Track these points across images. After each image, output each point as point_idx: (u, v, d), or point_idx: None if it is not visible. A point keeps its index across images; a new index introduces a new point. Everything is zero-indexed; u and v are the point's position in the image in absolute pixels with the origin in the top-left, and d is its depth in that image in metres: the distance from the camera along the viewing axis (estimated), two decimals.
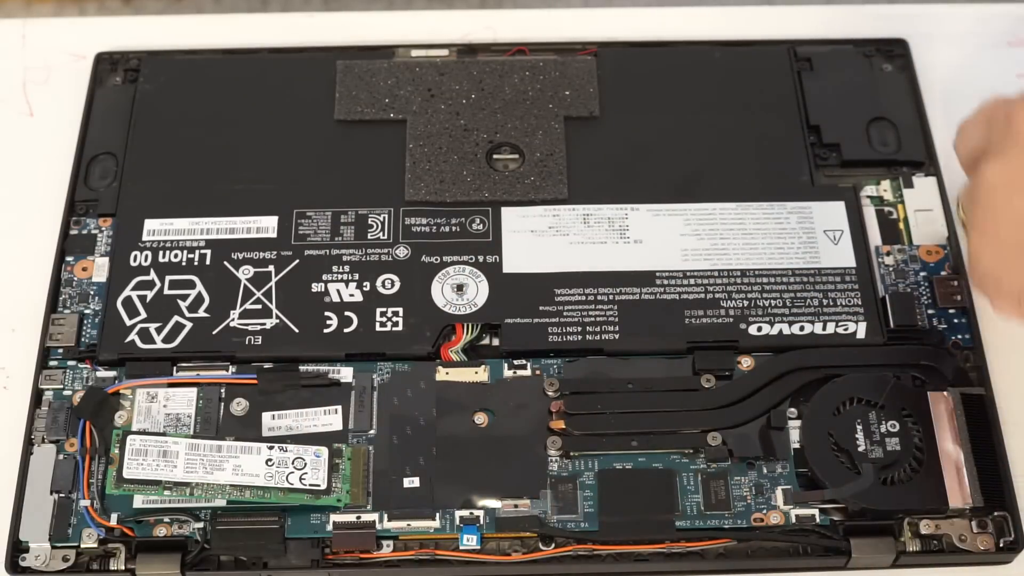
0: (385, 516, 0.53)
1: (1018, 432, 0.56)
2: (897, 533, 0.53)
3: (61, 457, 0.55)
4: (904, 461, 0.54)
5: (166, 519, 0.53)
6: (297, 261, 0.59)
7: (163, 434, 0.54)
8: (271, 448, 0.54)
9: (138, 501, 0.53)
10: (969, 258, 0.51)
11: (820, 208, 0.61)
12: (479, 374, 0.56)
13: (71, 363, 0.57)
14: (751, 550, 0.53)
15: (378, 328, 0.57)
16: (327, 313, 0.58)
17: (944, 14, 0.70)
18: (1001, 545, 0.53)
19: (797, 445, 0.55)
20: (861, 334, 0.57)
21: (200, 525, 0.53)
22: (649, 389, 0.56)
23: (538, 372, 0.57)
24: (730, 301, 0.58)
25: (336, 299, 0.58)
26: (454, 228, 0.60)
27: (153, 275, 0.59)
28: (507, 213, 0.61)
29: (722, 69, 0.66)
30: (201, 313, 0.58)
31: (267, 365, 0.57)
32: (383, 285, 0.59)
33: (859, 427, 0.54)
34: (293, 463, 0.54)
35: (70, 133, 0.64)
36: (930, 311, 0.59)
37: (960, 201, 0.60)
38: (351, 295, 0.58)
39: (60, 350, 0.58)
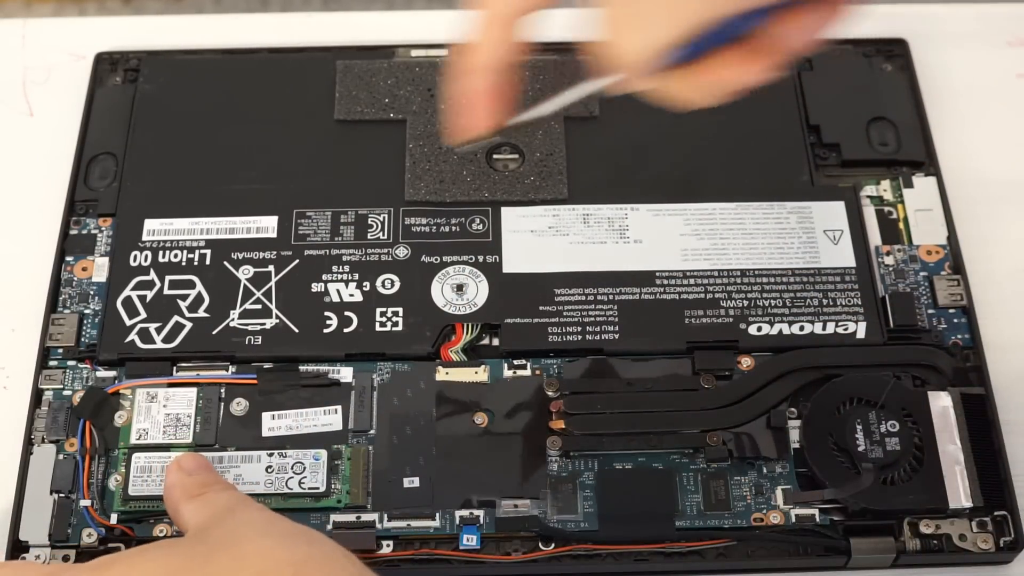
0: (385, 516, 0.53)
1: (1018, 432, 0.56)
2: (897, 533, 0.53)
3: (61, 457, 0.55)
4: (904, 461, 0.54)
5: (166, 519, 0.53)
6: (297, 261, 0.59)
7: (167, 448, 0.54)
8: (271, 455, 0.54)
9: None
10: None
11: (820, 208, 0.61)
12: (479, 374, 0.56)
13: (71, 363, 0.57)
14: (751, 550, 0.53)
15: (378, 328, 0.57)
16: (327, 313, 0.58)
17: (944, 14, 0.70)
18: (1001, 545, 0.53)
19: (797, 445, 0.55)
20: (861, 334, 0.57)
21: None
22: (649, 389, 0.56)
23: (538, 372, 0.57)
24: (730, 301, 0.58)
25: (336, 299, 0.58)
26: (454, 228, 0.60)
27: (153, 275, 0.59)
28: (507, 213, 0.61)
29: None
30: (201, 313, 0.58)
31: (267, 365, 0.57)
32: (383, 285, 0.59)
33: (859, 427, 0.54)
34: (292, 468, 0.54)
35: (70, 133, 0.64)
36: (930, 311, 0.59)
37: None
38: (351, 295, 0.58)
39: (60, 350, 0.58)
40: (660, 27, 0.39)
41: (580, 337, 0.57)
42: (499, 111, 0.45)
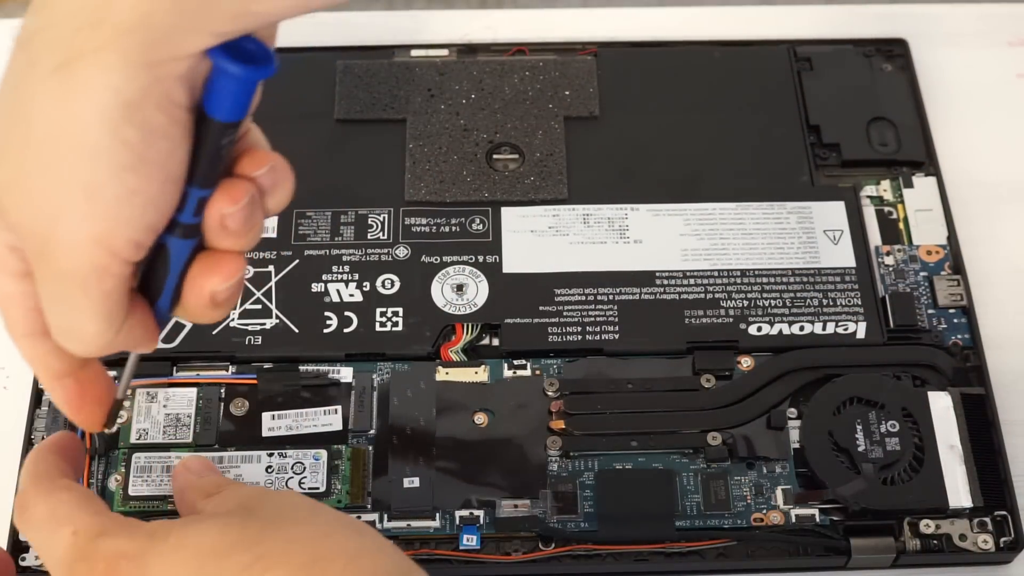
0: (385, 516, 0.53)
1: (1018, 432, 0.56)
2: (897, 533, 0.53)
3: None
4: (904, 461, 0.54)
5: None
6: (297, 261, 0.59)
7: (167, 448, 0.54)
8: (271, 455, 0.54)
9: None
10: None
11: (820, 208, 0.61)
12: (479, 374, 0.56)
13: None
14: (751, 550, 0.53)
15: (378, 328, 0.57)
16: (327, 313, 0.58)
17: (944, 14, 0.70)
18: (1001, 545, 0.53)
19: (797, 445, 0.55)
20: (861, 334, 0.57)
21: None
22: (649, 389, 0.56)
23: (538, 372, 0.57)
24: (730, 301, 0.58)
25: (336, 299, 0.58)
26: (454, 228, 0.60)
27: None
28: (507, 213, 0.61)
29: (722, 69, 0.66)
30: None
31: (267, 365, 0.57)
32: (383, 285, 0.59)
33: (859, 427, 0.54)
34: (292, 468, 0.54)
35: None
36: (930, 311, 0.59)
37: None
38: (351, 295, 0.58)
39: None
40: (86, 325, 0.38)
41: (580, 337, 0.57)
42: (98, 402, 0.44)
